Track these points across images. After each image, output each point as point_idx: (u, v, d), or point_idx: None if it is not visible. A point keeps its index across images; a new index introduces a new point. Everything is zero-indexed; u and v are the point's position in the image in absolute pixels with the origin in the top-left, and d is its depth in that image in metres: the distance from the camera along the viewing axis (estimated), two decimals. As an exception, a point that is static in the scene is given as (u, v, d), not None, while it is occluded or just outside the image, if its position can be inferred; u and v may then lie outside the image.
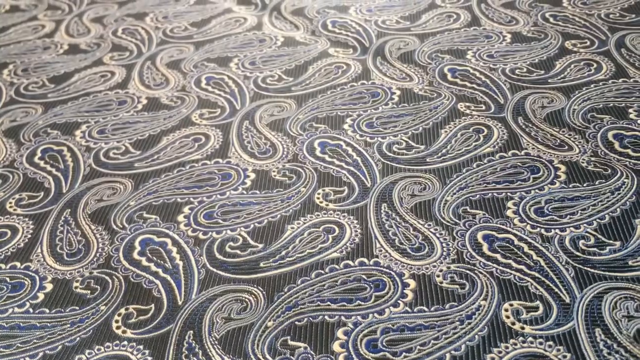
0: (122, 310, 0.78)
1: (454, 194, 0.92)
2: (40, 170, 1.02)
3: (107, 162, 1.03)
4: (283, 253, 0.84)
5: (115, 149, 1.06)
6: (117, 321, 0.77)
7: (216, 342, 0.73)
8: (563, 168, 0.95)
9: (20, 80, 1.27)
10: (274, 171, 0.99)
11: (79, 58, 1.34)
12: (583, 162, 0.96)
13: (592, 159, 0.96)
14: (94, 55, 1.34)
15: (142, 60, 1.31)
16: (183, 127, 1.10)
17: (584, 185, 0.92)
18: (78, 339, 0.75)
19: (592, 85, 1.13)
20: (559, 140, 1.01)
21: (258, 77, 1.22)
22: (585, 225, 0.85)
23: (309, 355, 0.71)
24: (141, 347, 0.73)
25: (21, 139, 1.09)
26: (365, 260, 0.83)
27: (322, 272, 0.81)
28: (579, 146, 0.99)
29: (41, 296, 0.80)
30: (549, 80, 1.15)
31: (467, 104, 1.11)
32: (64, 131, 1.11)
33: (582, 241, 0.83)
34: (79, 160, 1.03)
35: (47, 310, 0.78)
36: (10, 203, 0.95)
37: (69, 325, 0.76)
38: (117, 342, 0.74)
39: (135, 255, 0.85)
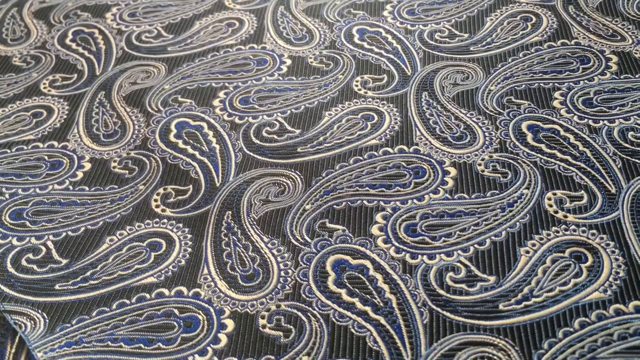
0: (161, 190, 0.78)
1: (498, 83, 0.88)
2: (72, 52, 1.00)
3: (139, 45, 1.00)
4: (321, 139, 0.83)
5: (147, 32, 1.03)
6: (155, 200, 0.77)
7: (254, 223, 0.74)
8: (615, 59, 0.90)
9: (47, -39, 1.22)
10: (310, 57, 0.96)
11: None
12: (636, 53, 0.91)
13: (646, 50, 0.91)
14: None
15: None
16: (216, 12, 1.06)
17: (636, 76, 0.87)
18: (118, 215, 0.75)
19: (650, -26, 1.06)
20: (611, 30, 0.95)
21: (293, -39, 1.16)
22: (635, 117, 0.82)
23: (348, 237, 0.71)
24: (180, 225, 0.74)
25: (51, 20, 1.07)
26: (404, 147, 0.81)
27: (361, 158, 0.80)
28: (632, 37, 0.94)
29: (80, 174, 0.81)
30: (604, -32, 1.08)
31: (515, -9, 1.05)
32: (95, 13, 1.07)
33: (631, 133, 0.80)
34: (110, 43, 1.01)
35: (87, 188, 0.79)
36: (44, 84, 0.94)
37: (108, 203, 0.77)
38: (157, 219, 0.75)
39: (172, 138, 0.85)
